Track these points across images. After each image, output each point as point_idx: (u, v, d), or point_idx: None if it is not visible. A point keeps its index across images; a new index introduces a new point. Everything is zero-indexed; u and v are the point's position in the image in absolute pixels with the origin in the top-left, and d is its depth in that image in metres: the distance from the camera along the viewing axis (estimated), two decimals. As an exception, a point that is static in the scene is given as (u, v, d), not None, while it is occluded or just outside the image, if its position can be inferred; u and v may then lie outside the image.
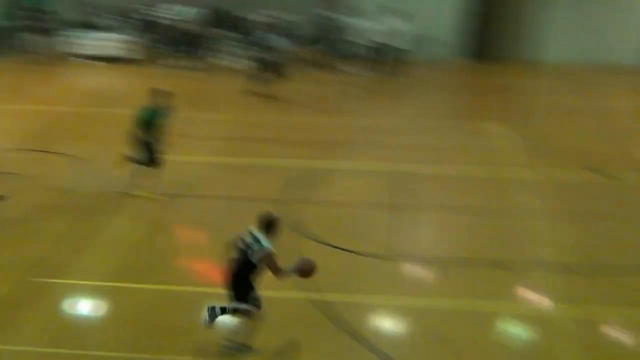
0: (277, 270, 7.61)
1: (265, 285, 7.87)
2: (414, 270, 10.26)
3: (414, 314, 9.12)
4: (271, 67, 17.92)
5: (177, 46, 20.81)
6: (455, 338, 8.57)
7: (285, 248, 9.34)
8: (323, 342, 8.46)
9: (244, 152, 14.49)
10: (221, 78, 19.90)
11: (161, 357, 8.14)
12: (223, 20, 21.63)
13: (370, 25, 20.20)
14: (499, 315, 9.16)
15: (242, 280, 7.70)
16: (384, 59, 20.30)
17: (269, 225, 7.67)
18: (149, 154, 11.84)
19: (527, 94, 19.35)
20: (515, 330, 8.93)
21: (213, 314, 7.96)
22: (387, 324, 9.04)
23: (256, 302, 7.80)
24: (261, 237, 7.61)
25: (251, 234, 7.67)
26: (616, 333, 8.84)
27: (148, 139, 11.73)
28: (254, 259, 7.57)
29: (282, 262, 7.62)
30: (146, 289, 9.54)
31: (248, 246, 7.61)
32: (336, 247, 10.57)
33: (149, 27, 21.45)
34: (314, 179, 13.14)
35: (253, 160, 13.97)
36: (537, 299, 9.54)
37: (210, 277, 9.63)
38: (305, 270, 7.80)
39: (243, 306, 7.77)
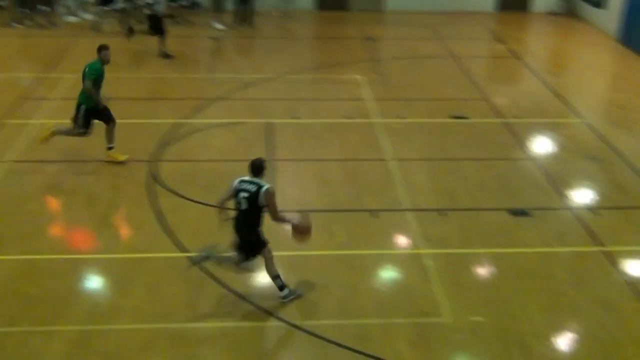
0: (276, 210, 8.15)
1: (135, 248, 7.86)
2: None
3: (294, 265, 9.39)
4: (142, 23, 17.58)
5: (27, 5, 19.80)
6: (336, 285, 8.95)
7: (160, 209, 9.33)
8: (202, 299, 8.62)
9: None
10: (81, 36, 19.19)
11: (41, 328, 8.04)
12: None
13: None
14: (375, 260, 9.62)
15: (255, 227, 8.21)
16: (243, 11, 20.30)
17: (260, 168, 8.22)
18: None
19: (387, 43, 19.91)
20: (391, 273, 9.44)
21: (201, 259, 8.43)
22: (264, 278, 9.27)
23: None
24: (258, 180, 8.15)
25: (248, 181, 8.17)
26: (477, 268, 9.53)
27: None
28: (262, 201, 8.04)
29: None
30: (16, 259, 9.31)
31: (252, 192, 8.06)
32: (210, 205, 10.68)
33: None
34: (181, 136, 13.09)
35: (119, 120, 13.65)
36: (408, 242, 10.09)
37: (78, 244, 9.57)
38: (302, 229, 8.34)
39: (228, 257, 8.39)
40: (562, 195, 11.40)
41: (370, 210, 10.66)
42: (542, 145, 13.44)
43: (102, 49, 11.62)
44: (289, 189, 11.43)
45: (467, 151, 12.79)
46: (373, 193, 11.28)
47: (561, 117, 14.57)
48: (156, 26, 17.57)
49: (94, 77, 11.42)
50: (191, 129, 13.42)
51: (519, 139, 13.39)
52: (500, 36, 20.41)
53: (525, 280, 9.19)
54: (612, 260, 9.65)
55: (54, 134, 11.91)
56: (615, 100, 15.92)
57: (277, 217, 8.26)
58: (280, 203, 10.79)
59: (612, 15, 19.63)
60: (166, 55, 17.54)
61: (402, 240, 10.14)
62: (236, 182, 8.30)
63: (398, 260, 9.70)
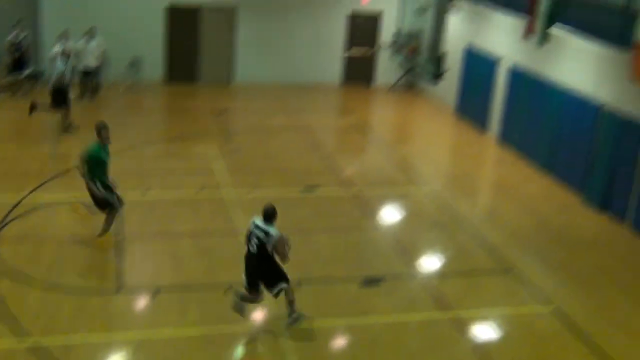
0: (285, 256, 9.11)
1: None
2: (142, 302, 10.18)
3: (145, 347, 9.06)
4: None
5: None
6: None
7: None
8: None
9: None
10: None
11: None
12: None
13: (74, 48, 19.59)
14: (229, 338, 9.44)
15: (270, 265, 9.21)
16: (87, 83, 19.86)
17: (271, 215, 9.19)
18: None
19: (238, 115, 20.05)
20: (244, 352, 9.29)
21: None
22: (116, 361, 8.91)
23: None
24: (267, 227, 9.09)
25: (259, 227, 9.13)
26: (333, 340, 9.57)
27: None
28: (270, 248, 9.01)
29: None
30: None
31: (261, 239, 9.04)
32: (55, 286, 10.17)
33: None
34: (25, 215, 12.46)
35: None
36: (266, 316, 10.00)
37: None
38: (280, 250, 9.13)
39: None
40: (411, 263, 11.76)
41: (223, 286, 10.50)
42: (390, 214, 13.88)
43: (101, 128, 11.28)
44: (140, 266, 11.11)
45: (319, 222, 12.98)
46: (226, 267, 11.15)
47: (407, 186, 15.15)
48: (62, 98, 16.97)
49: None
50: (33, 207, 12.79)
51: (369, 209, 13.77)
52: (348, 109, 21.12)
53: (378, 350, 9.32)
54: (459, 325, 10.00)
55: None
56: (456, 168, 16.78)
57: (286, 260, 9.18)
58: (131, 281, 10.51)
59: (449, 90, 20.84)
60: (68, 128, 17.06)
61: (256, 315, 10.02)
62: (252, 223, 9.26)
63: (253, 337, 9.57)
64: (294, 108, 20.44)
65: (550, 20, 14.01)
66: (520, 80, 17.42)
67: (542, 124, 16.43)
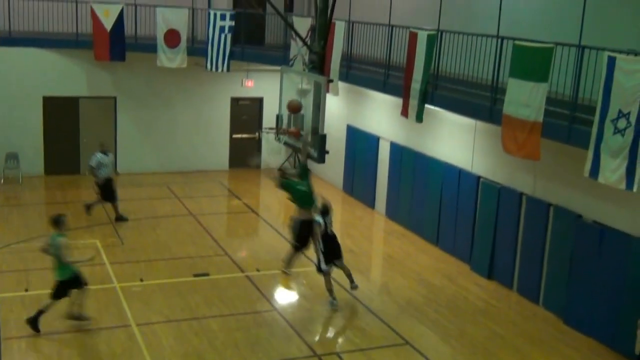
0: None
1: None
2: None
3: None
4: None
5: None
6: None
7: None
8: None
9: None
10: None
11: None
12: None
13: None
14: None
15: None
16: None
17: (326, 210, 13.21)
18: None
19: (124, 205, 19.54)
20: None
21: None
22: None
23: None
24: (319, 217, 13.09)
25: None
26: None
27: None
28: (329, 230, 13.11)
29: None
30: None
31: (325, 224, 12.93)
32: None
33: None
34: None
35: None
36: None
37: None
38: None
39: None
40: (307, 343, 11.61)
41: (114, 383, 10.02)
42: (284, 295, 13.74)
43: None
44: (22, 369, 10.44)
45: (212, 308, 12.69)
46: (117, 363, 10.66)
47: (301, 266, 15.10)
48: (109, 191, 17.50)
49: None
50: None
51: (263, 291, 13.60)
52: (235, 192, 21.05)
53: None
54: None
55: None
56: (347, 246, 16.88)
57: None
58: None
59: (336, 169, 21.21)
60: (121, 218, 17.54)
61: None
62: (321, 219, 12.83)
63: None
64: (181, 195, 20.20)
65: (424, 99, 14.58)
66: (402, 155, 17.97)
67: (425, 197, 16.92)
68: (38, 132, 21.34)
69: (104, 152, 17.59)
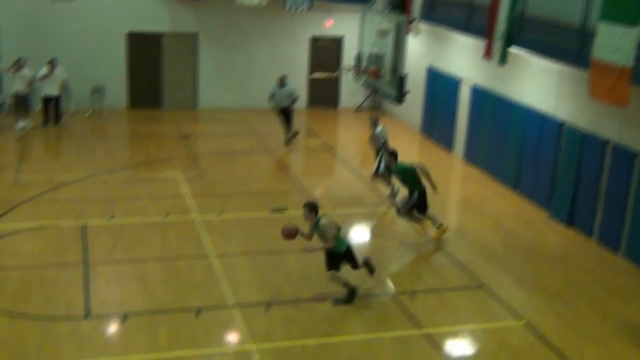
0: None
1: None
2: (111, 328, 9.98)
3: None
4: None
5: None
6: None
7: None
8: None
9: None
10: None
11: None
12: None
13: (32, 75, 19.43)
14: (199, 361, 9.31)
15: None
16: (52, 110, 19.68)
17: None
18: None
19: (203, 140, 19.96)
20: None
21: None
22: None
23: None
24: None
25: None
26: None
27: None
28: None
29: None
30: None
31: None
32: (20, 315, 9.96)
33: None
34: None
35: None
36: (234, 339, 9.88)
37: None
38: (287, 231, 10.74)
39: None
40: (382, 281, 11.73)
41: (193, 309, 10.37)
42: (359, 233, 13.86)
43: None
44: (108, 292, 10.93)
45: (288, 243, 12.88)
46: (196, 291, 11.02)
47: (376, 205, 15.16)
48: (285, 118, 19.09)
49: None
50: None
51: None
52: (313, 130, 21.14)
53: (353, 368, 9.26)
54: (431, 341, 9.98)
55: None
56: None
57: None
58: (100, 307, 10.33)
59: (414, 110, 21.03)
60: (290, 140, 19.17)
61: (228, 337, 9.92)
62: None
63: (226, 358, 9.44)
64: (259, 132, 20.42)
65: (508, 41, 14.22)
66: (483, 99, 17.65)
67: (506, 141, 16.63)
68: (122, 67, 21.82)
69: (281, 84, 18.72)
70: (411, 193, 13.32)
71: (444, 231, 13.40)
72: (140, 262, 11.94)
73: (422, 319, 10.54)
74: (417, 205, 13.27)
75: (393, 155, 13.67)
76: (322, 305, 10.73)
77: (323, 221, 10.71)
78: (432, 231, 13.46)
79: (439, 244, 13.29)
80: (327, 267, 10.84)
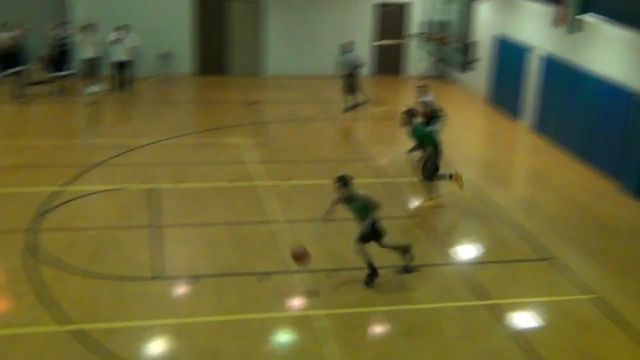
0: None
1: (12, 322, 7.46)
2: (179, 289, 10.22)
3: (184, 333, 9.10)
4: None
5: None
6: (227, 352, 8.71)
7: (40, 281, 8.94)
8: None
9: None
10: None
11: None
12: None
13: (103, 42, 19.79)
14: (266, 324, 9.44)
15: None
16: (119, 76, 20.06)
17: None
18: None
19: (268, 107, 20.06)
20: (283, 337, 9.29)
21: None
22: (156, 347, 8.94)
23: None
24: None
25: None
26: (368, 327, 9.56)
27: None
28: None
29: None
30: None
31: None
32: (92, 275, 10.26)
33: None
34: (64, 205, 12.58)
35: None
36: (298, 303, 10.00)
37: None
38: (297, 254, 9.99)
39: None
40: (447, 252, 11.68)
41: (259, 273, 10.52)
42: (424, 203, 13.76)
43: None
44: (176, 254, 11.15)
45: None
46: (261, 256, 11.17)
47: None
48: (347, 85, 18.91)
49: None
50: (71, 197, 12.91)
51: (401, 198, 13.68)
52: (379, 99, 21.01)
53: (416, 337, 9.27)
54: (496, 313, 9.90)
55: None
56: (490, 158, 16.62)
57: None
58: (168, 268, 10.57)
59: (480, 78, 20.68)
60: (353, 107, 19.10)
61: (292, 302, 10.03)
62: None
63: (289, 323, 9.57)
64: (325, 99, 20.39)
65: (581, 8, 13.81)
66: (553, 68, 17.23)
67: (576, 112, 16.23)
68: (189, 34, 22.01)
69: (345, 51, 18.84)
70: (426, 153, 13.22)
71: (435, 205, 13.25)
72: (207, 226, 12.14)
73: (488, 290, 10.46)
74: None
75: (410, 113, 13.47)
76: (386, 273, 10.73)
77: (361, 192, 10.36)
78: (426, 201, 13.37)
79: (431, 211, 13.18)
80: (360, 239, 10.41)
